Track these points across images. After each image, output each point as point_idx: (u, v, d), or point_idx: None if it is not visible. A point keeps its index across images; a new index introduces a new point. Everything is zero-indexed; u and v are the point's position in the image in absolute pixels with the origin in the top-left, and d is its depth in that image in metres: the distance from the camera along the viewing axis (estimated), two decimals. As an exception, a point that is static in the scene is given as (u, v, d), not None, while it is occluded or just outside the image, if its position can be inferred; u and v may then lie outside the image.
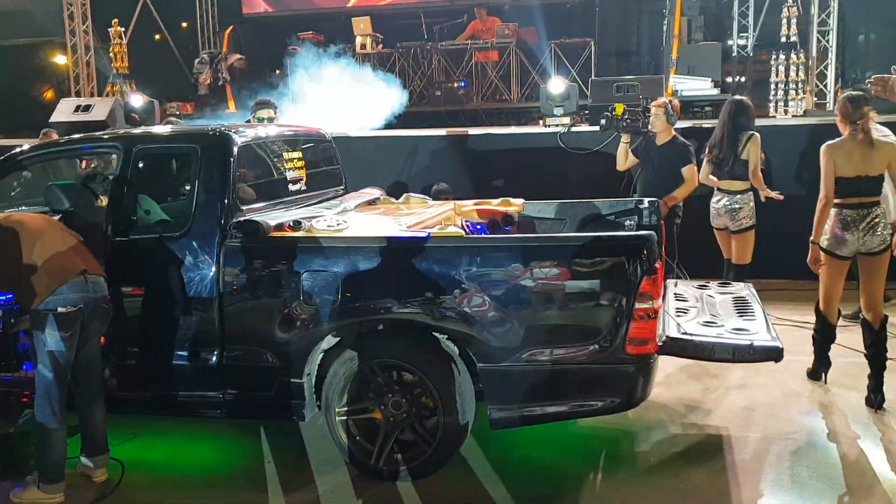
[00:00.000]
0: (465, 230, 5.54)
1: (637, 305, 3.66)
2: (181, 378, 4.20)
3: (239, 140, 4.39)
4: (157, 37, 15.38)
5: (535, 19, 13.02)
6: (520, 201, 5.49)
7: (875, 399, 4.70)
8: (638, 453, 4.38)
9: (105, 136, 4.85)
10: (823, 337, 5.09)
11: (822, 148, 4.79)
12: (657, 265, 3.75)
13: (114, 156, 4.51)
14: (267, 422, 4.61)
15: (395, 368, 4.01)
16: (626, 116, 6.58)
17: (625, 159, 6.81)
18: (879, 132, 5.03)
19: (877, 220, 4.70)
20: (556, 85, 8.92)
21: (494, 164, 8.58)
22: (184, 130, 4.93)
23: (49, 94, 14.98)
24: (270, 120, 6.91)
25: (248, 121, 7.20)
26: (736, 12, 12.48)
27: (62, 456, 3.91)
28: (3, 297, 4.11)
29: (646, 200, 5.24)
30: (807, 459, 4.15)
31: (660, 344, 3.83)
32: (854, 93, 4.90)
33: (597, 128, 7.30)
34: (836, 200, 4.73)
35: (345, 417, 4.04)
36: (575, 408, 3.86)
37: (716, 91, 11.20)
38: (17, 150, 4.68)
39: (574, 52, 12.56)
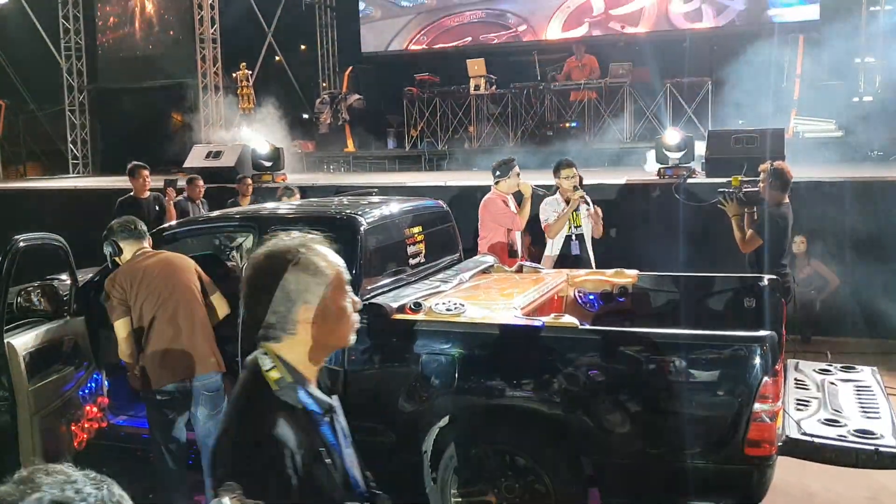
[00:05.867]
0: (577, 299, 5.64)
1: (756, 407, 3.62)
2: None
3: (365, 222, 4.61)
4: (280, 76, 16.13)
5: (649, 57, 12.92)
6: (634, 273, 5.50)
7: None
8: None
9: (239, 217, 5.16)
10: None
11: None
12: (777, 367, 3.71)
13: (248, 234, 4.84)
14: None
15: (507, 453, 4.09)
16: (743, 188, 6.05)
17: (744, 236, 5.90)
18: None
19: None
20: (672, 136, 8.86)
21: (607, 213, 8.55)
22: (314, 213, 5.17)
23: (179, 130, 15.93)
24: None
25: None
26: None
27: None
28: None
29: (765, 278, 5.15)
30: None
31: (779, 444, 3.78)
32: None
33: (716, 180, 7.04)
34: None
35: (460, 499, 4.16)
36: (688, 506, 3.84)
37: (839, 133, 10.84)
38: (165, 226, 5.08)
39: (690, 91, 12.40)
